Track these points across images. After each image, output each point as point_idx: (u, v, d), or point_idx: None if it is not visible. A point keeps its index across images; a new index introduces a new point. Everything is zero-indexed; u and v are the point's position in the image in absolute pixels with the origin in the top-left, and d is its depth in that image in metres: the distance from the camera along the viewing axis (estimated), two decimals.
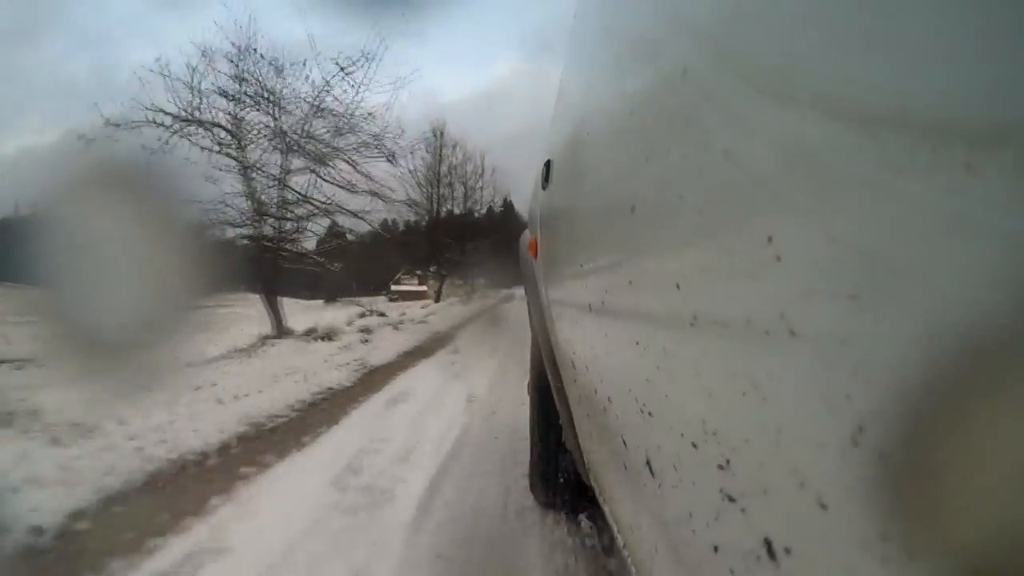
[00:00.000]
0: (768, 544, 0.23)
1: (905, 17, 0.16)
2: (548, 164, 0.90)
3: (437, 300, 12.25)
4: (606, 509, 0.61)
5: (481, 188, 16.38)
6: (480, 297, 13.83)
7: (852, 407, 0.18)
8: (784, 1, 0.23)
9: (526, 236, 1.19)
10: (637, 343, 0.40)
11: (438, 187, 15.56)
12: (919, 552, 0.16)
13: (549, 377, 0.92)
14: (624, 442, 0.47)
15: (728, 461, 0.26)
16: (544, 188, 0.92)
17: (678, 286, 0.31)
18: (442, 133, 15.62)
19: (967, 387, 0.14)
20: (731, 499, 0.26)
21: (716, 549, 0.28)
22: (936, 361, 0.15)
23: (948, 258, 0.15)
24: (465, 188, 16.30)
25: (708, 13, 0.30)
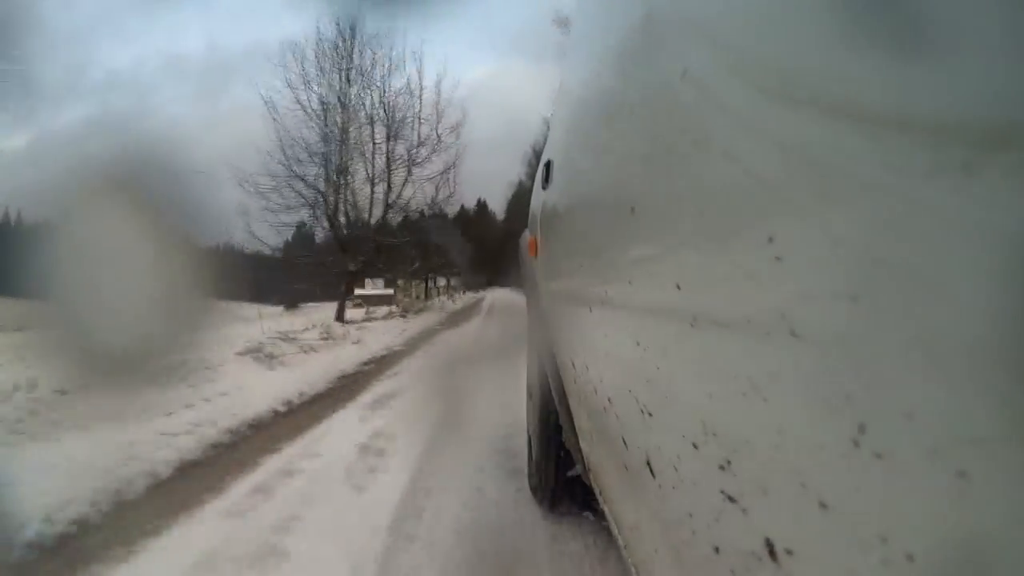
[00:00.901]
0: (769, 544, 0.23)
1: (905, 17, 0.16)
2: (548, 164, 0.90)
3: (339, 319, 6.99)
4: (606, 510, 0.61)
5: (418, 120, 8.20)
6: (423, 311, 8.82)
7: (852, 407, 0.18)
8: (784, 1, 0.23)
9: (526, 236, 1.19)
10: (637, 343, 0.40)
11: (345, 116, 7.75)
12: (919, 552, 0.16)
13: (549, 377, 0.92)
14: (624, 442, 0.47)
15: (729, 461, 0.26)
16: (544, 188, 0.92)
17: (678, 286, 0.31)
18: (352, 30, 7.68)
19: (967, 387, 0.14)
20: (732, 499, 0.26)
21: (717, 550, 0.28)
22: (936, 361, 0.15)
23: (948, 258, 0.15)
24: (389, 121, 8.12)
25: (708, 13, 0.30)
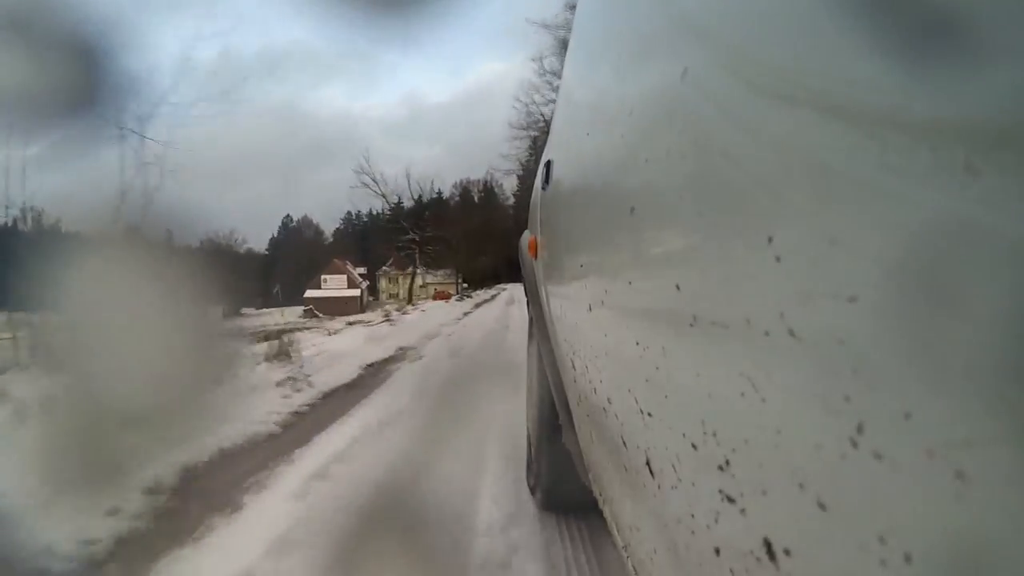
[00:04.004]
0: (768, 545, 0.23)
1: (905, 17, 0.16)
2: (548, 164, 0.90)
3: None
4: (606, 510, 0.61)
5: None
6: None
7: (852, 407, 0.18)
8: (784, 1, 0.23)
9: (526, 236, 1.19)
10: (637, 343, 0.40)
11: None
12: (917, 553, 0.16)
13: (549, 377, 0.92)
14: (624, 442, 0.47)
15: (728, 462, 0.26)
16: (544, 188, 0.92)
17: (678, 286, 0.31)
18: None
19: (966, 387, 0.14)
20: (731, 500, 0.26)
21: (716, 550, 0.28)
22: (935, 362, 0.15)
23: (948, 258, 0.15)
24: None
25: (709, 13, 0.30)
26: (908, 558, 0.16)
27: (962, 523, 0.14)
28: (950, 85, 0.15)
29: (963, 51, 0.14)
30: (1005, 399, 0.13)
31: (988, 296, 0.14)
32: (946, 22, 0.15)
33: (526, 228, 1.27)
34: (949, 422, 0.15)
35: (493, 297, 15.10)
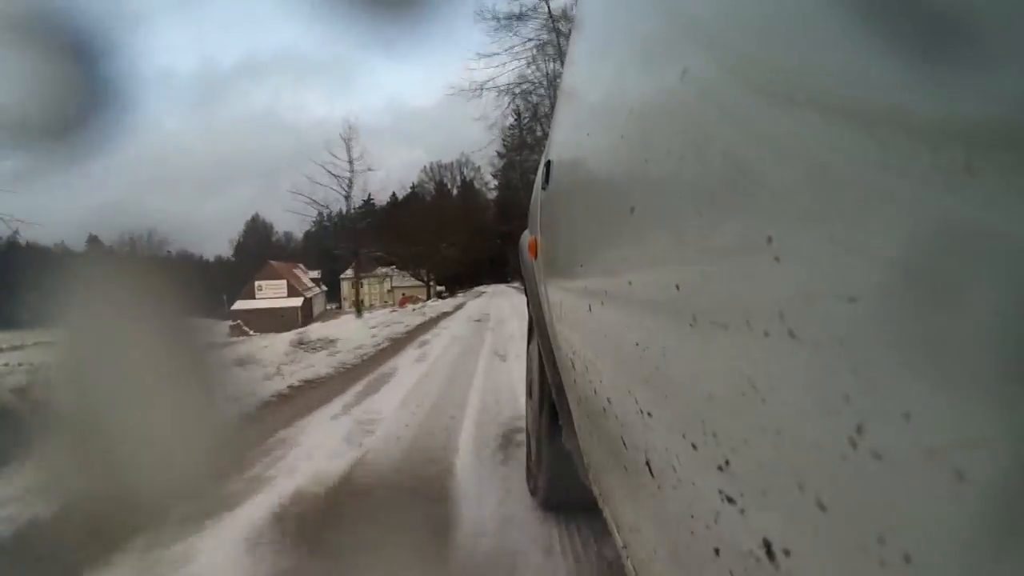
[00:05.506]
0: (767, 545, 0.23)
1: (905, 17, 0.16)
2: (548, 164, 0.90)
3: None
4: (606, 510, 0.61)
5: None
6: None
7: (850, 407, 0.18)
8: (784, 1, 0.23)
9: (526, 236, 1.20)
10: (637, 343, 0.40)
11: None
12: (916, 553, 0.16)
13: (549, 377, 0.92)
14: (624, 443, 0.47)
15: (727, 462, 0.26)
16: (544, 188, 0.92)
17: (678, 286, 0.31)
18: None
19: (965, 387, 0.14)
20: (730, 500, 0.26)
21: (716, 550, 0.28)
22: (935, 362, 0.15)
23: (947, 258, 0.15)
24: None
25: (708, 14, 0.30)
26: (907, 558, 0.16)
27: (961, 523, 0.14)
28: (950, 85, 0.15)
29: (963, 51, 0.14)
30: (1005, 399, 0.13)
31: (988, 296, 0.14)
32: (946, 22, 0.15)
33: (504, 218, 1.27)
34: (949, 422, 0.15)
35: (444, 315, 7.35)
